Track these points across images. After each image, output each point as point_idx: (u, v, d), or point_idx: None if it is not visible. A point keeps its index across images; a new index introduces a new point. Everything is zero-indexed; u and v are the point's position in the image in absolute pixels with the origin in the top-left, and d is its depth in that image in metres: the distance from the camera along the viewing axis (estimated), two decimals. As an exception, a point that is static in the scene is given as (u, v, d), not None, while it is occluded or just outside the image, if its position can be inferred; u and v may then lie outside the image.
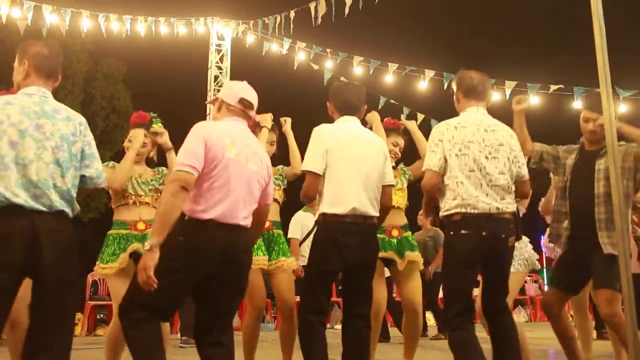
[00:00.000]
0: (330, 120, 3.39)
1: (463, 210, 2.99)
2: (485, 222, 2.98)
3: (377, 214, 3.23)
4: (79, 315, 8.74)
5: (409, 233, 4.09)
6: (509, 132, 3.19)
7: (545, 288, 13.53)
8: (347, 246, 3.06)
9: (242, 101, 2.81)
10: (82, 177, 2.67)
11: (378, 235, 4.07)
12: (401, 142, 4.20)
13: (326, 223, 3.13)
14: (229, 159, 2.62)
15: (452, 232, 3.04)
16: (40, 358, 2.45)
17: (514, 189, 3.10)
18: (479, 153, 3.04)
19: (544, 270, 13.34)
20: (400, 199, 4.05)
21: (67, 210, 2.57)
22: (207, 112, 10.78)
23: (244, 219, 2.70)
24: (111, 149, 16.90)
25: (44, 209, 2.47)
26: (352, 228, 3.10)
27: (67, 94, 14.79)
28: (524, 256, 4.01)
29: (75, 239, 2.64)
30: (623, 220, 2.60)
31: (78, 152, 2.63)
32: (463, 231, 2.98)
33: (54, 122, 2.56)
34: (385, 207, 3.33)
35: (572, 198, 3.51)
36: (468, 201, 2.98)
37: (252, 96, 2.88)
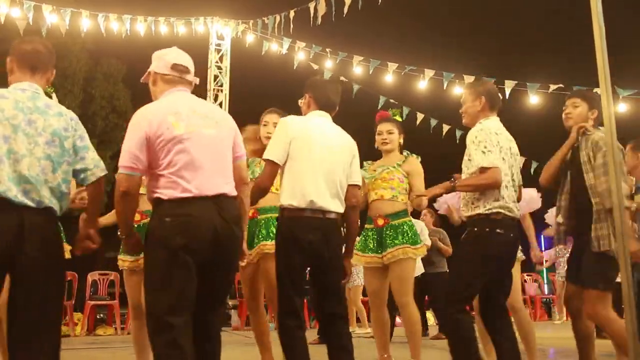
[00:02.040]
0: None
1: (503, 211, 3.15)
2: (514, 226, 3.22)
3: (339, 211, 3.12)
4: (78, 315, 8.74)
5: (405, 219, 4.01)
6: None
7: (545, 288, 13.55)
8: (307, 242, 2.97)
9: (175, 67, 2.71)
10: (80, 171, 2.64)
11: (367, 226, 4.10)
12: (390, 128, 4.14)
13: (285, 218, 3.03)
14: (179, 135, 2.53)
15: (487, 229, 3.14)
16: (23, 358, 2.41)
17: None
18: (510, 159, 3.25)
19: (544, 270, 13.33)
20: (387, 190, 4.01)
21: (55, 207, 2.55)
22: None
23: (226, 185, 2.63)
24: (111, 148, 16.89)
25: (32, 205, 2.45)
26: (311, 223, 3.00)
27: (67, 94, 14.80)
28: None
29: (60, 236, 2.64)
30: (623, 220, 2.59)
31: (71, 148, 2.61)
32: (499, 230, 3.13)
33: (45, 118, 2.55)
34: (351, 207, 3.23)
35: (572, 193, 3.55)
36: (508, 205, 3.17)
37: (186, 59, 2.76)
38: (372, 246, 4.02)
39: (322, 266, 3.05)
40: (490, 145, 3.12)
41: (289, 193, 3.02)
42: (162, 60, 2.73)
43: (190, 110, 2.62)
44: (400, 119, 4.34)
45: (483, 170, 3.10)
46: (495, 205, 3.13)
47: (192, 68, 2.79)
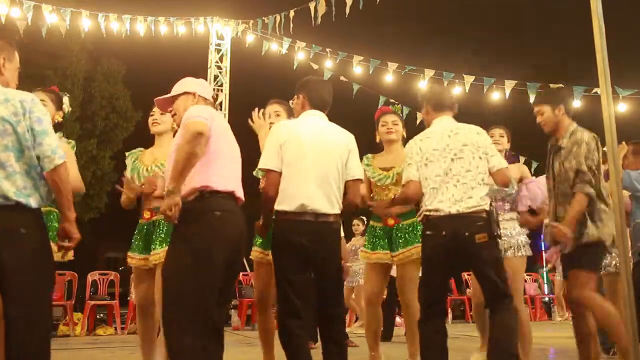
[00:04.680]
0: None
1: (427, 212, 3.18)
2: (446, 222, 3.12)
3: (335, 212, 3.11)
4: (78, 315, 8.73)
5: (412, 220, 3.95)
6: (473, 131, 3.31)
7: (545, 288, 13.55)
8: (300, 246, 2.98)
9: (214, 97, 3.08)
10: (38, 158, 2.52)
11: (374, 224, 4.06)
12: (395, 119, 4.13)
13: (278, 221, 3.05)
14: (230, 136, 2.82)
15: (421, 233, 3.29)
16: None
17: (485, 182, 3.20)
18: (444, 158, 3.23)
19: (544, 270, 13.33)
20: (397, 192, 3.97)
21: (28, 199, 2.46)
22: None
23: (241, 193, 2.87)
24: (111, 148, 16.90)
25: (1, 201, 2.39)
26: (302, 227, 3.00)
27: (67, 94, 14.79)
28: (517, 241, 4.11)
29: (40, 231, 2.53)
30: (622, 219, 2.60)
31: (26, 131, 2.49)
32: (427, 232, 3.18)
33: None
34: (352, 203, 3.24)
35: (551, 198, 3.59)
36: (432, 206, 3.17)
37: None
38: (382, 243, 3.98)
39: (318, 268, 3.06)
40: (409, 159, 3.32)
41: (281, 197, 3.04)
42: (204, 87, 3.08)
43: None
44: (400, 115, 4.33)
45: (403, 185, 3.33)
46: (422, 209, 3.24)
47: None
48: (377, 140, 4.20)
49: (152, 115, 3.79)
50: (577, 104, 8.74)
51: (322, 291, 3.10)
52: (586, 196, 3.31)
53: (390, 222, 3.96)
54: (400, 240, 3.92)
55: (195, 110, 2.72)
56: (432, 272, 3.21)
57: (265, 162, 3.09)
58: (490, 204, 3.18)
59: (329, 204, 3.07)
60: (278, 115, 3.78)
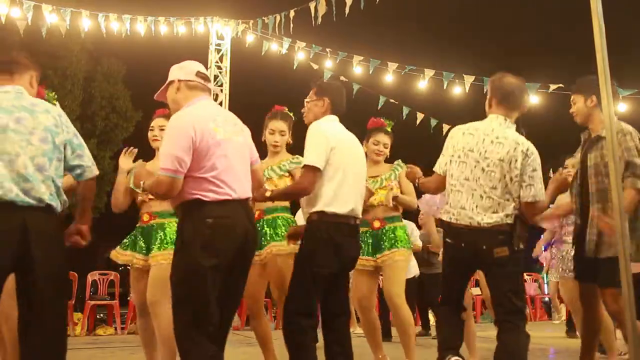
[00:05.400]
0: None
1: (447, 218, 3.08)
2: (465, 233, 3.00)
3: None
4: (78, 315, 8.73)
5: (399, 224, 4.08)
6: (520, 149, 3.00)
7: (545, 288, 13.53)
8: (342, 246, 3.06)
9: (199, 74, 2.86)
10: (78, 167, 2.68)
11: (360, 230, 4.14)
12: (387, 141, 4.19)
13: (323, 222, 3.05)
14: (220, 140, 2.66)
15: (443, 237, 3.20)
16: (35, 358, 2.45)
17: (512, 199, 2.99)
18: (477, 164, 3.01)
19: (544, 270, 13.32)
20: (384, 196, 4.05)
21: (55, 203, 2.55)
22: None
23: (249, 190, 2.80)
24: (111, 149, 16.89)
25: (34, 203, 2.47)
26: (347, 229, 3.11)
27: (67, 94, 14.79)
28: None
29: (62, 234, 2.65)
30: (622, 219, 2.59)
31: (62, 144, 2.62)
32: (447, 240, 3.11)
33: (34, 116, 2.56)
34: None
35: (579, 195, 3.44)
36: (453, 211, 3.05)
37: (205, 70, 2.96)
38: (366, 249, 4.02)
39: (343, 269, 3.17)
40: (445, 149, 3.17)
41: (330, 200, 3.06)
42: (185, 69, 2.86)
43: (223, 118, 2.78)
44: (390, 130, 4.32)
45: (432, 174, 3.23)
46: (444, 210, 3.12)
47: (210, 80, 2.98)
48: (365, 151, 4.20)
49: (151, 130, 3.79)
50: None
51: (333, 292, 3.14)
52: (637, 193, 3.09)
53: (376, 224, 4.05)
54: (385, 243, 3.98)
55: (168, 156, 2.57)
56: (451, 276, 3.21)
57: (315, 159, 3.05)
58: (516, 218, 2.99)
59: (361, 208, 3.25)
60: (283, 135, 3.81)
